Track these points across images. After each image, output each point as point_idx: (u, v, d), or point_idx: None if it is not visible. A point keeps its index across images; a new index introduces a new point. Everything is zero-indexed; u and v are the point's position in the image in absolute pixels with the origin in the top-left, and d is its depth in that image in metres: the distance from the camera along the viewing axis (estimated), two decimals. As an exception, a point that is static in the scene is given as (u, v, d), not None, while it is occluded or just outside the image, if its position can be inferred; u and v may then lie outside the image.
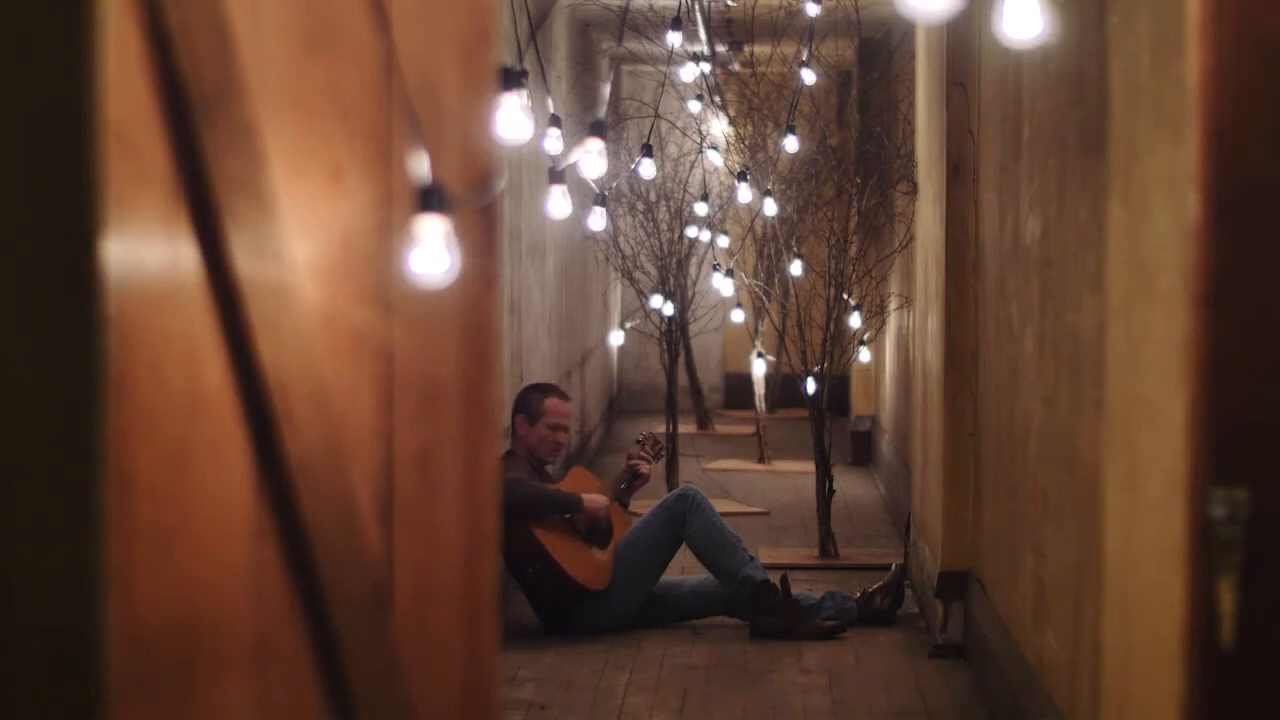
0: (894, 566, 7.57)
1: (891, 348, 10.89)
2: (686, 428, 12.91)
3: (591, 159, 4.15)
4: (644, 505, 7.73)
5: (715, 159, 9.73)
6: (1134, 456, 3.18)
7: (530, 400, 7.25)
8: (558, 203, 4.30)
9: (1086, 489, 4.14)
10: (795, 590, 7.22)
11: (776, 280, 9.81)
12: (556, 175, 4.32)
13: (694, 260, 11.50)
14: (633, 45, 11.24)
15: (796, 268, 9.25)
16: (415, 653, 3.35)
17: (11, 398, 2.53)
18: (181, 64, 2.75)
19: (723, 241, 10.69)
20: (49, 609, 2.54)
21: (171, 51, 2.73)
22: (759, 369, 12.24)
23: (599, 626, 7.07)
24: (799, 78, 8.32)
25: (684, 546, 7.27)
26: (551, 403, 7.23)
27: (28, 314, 2.53)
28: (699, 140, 10.34)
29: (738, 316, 10.40)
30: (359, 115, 3.25)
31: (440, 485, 3.44)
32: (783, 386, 14.47)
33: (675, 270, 11.33)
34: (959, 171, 6.90)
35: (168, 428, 2.72)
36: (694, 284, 11.67)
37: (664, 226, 11.23)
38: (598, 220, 6.35)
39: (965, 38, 6.81)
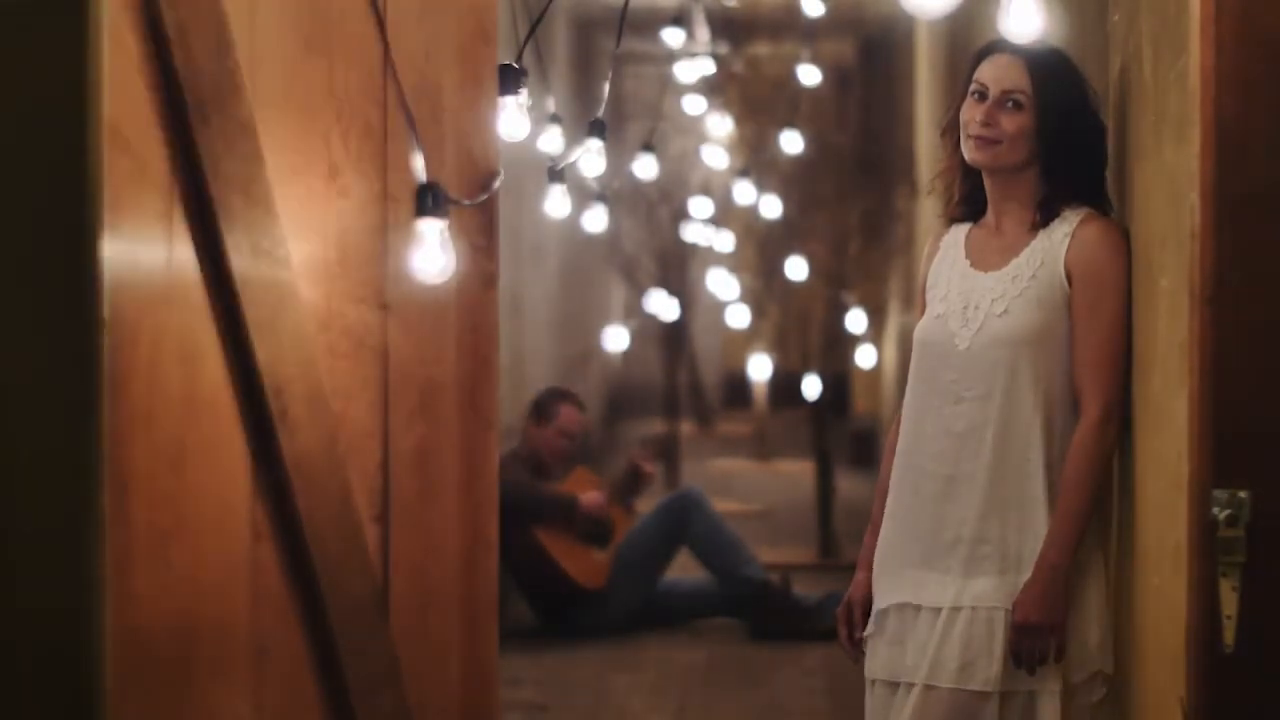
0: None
1: (894, 347, 10.88)
2: (687, 427, 12.90)
3: (591, 158, 4.13)
4: (644, 505, 7.73)
5: (716, 158, 9.71)
6: (1136, 457, 3.17)
7: (545, 403, 7.23)
8: (557, 202, 4.29)
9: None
10: (795, 590, 7.21)
11: (777, 279, 9.83)
12: (556, 175, 4.31)
13: (695, 260, 11.49)
14: (633, 44, 11.24)
15: (797, 267, 9.23)
16: (414, 653, 3.34)
17: (9, 398, 2.52)
18: (179, 64, 2.74)
19: (723, 241, 10.68)
20: (47, 609, 2.54)
21: (169, 51, 2.72)
22: (759, 368, 12.22)
23: (599, 627, 7.06)
24: (797, 77, 8.31)
25: (684, 547, 7.26)
26: (566, 409, 7.20)
27: (25, 314, 2.52)
28: (699, 140, 10.33)
29: (738, 316, 10.40)
30: (356, 114, 3.24)
31: (438, 485, 3.43)
32: (783, 386, 14.47)
33: (676, 270, 11.32)
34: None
35: (165, 428, 2.71)
36: (694, 283, 11.66)
37: (665, 226, 11.22)
38: (598, 220, 6.32)
39: (966, 36, 6.80)
